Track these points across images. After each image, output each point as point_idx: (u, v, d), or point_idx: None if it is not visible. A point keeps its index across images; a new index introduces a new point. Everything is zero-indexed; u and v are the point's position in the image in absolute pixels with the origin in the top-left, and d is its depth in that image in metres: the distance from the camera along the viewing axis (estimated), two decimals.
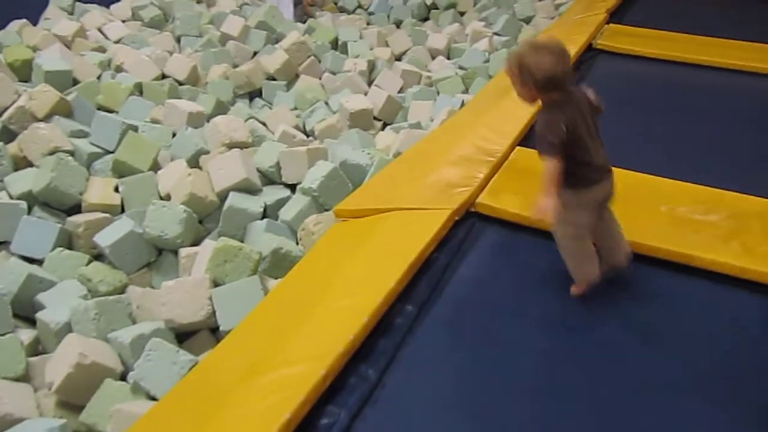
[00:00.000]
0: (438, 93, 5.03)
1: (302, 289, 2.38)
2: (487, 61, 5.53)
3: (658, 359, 2.10)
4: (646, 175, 2.96)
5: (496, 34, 6.18)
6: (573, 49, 4.57)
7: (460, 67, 5.53)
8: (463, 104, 4.52)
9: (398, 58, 5.82)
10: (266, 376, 1.85)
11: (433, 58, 5.83)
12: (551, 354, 2.13)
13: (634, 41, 4.95)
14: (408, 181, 2.92)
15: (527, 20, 6.64)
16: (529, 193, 2.74)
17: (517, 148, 3.18)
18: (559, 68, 1.97)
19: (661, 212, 2.70)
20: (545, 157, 1.99)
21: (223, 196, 3.40)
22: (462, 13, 7.02)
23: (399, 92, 5.05)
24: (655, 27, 5.29)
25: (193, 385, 2.07)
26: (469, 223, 2.68)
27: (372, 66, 5.41)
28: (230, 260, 2.82)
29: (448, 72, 5.31)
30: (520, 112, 3.54)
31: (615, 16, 5.71)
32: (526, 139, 3.32)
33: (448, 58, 5.84)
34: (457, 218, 2.61)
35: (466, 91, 5.03)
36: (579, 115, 2.04)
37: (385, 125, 4.68)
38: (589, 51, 4.88)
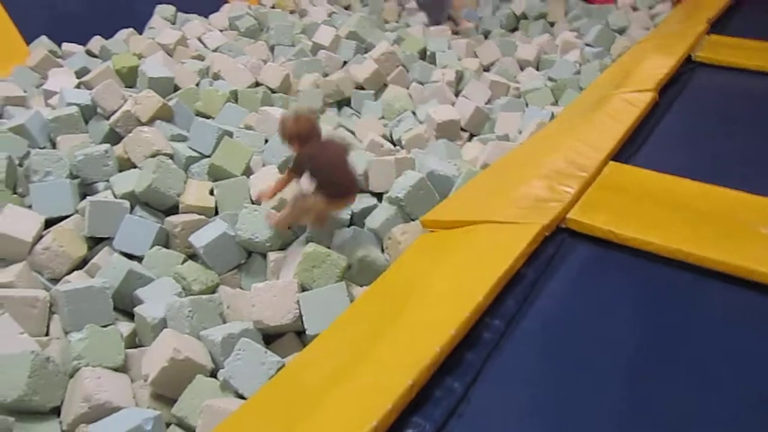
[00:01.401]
0: (527, 104, 4.97)
1: (389, 298, 2.40)
2: (578, 72, 5.42)
3: (754, 386, 1.98)
4: (746, 194, 2.82)
5: (587, 45, 6.05)
6: (670, 62, 4.40)
7: (550, 79, 5.44)
8: (552, 116, 4.45)
9: (486, 69, 5.79)
10: (352, 383, 1.88)
11: (522, 69, 5.76)
12: (640, 377, 2.05)
13: (736, 53, 4.72)
14: (497, 194, 2.89)
15: (621, 31, 6.46)
16: (623, 210, 2.69)
17: (611, 162, 3.09)
18: None
19: (763, 234, 2.56)
20: None
21: None
22: (552, 24, 6.91)
23: (487, 103, 5.02)
24: (761, 38, 5.03)
25: (280, 386, 2.12)
26: (559, 238, 2.63)
27: (460, 76, 5.41)
28: (318, 266, 2.88)
29: (537, 83, 5.24)
30: (614, 126, 3.45)
31: (716, 26, 5.47)
32: (620, 153, 3.23)
33: (538, 69, 5.76)
34: (547, 234, 2.56)
35: (555, 103, 4.95)
36: None
37: (471, 136, 4.67)
38: (688, 63, 4.69)
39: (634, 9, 7.12)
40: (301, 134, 3.07)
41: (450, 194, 3.47)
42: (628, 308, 2.37)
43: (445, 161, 3.74)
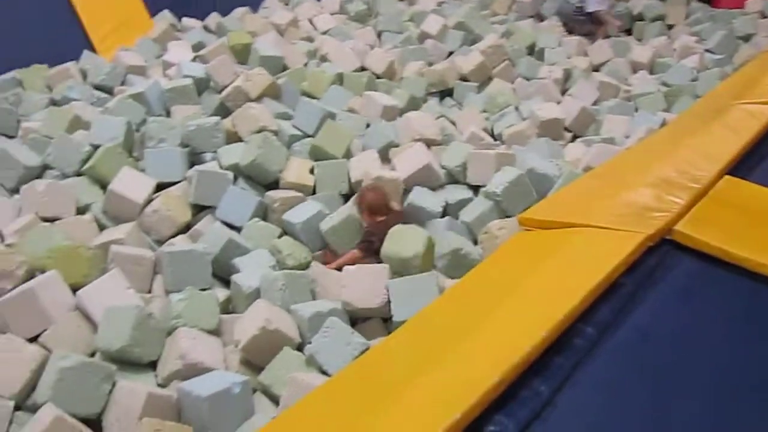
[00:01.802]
0: (636, 109, 4.77)
1: (481, 292, 2.38)
2: (696, 79, 5.16)
3: None
4: None
5: (708, 51, 5.74)
6: None
7: (664, 84, 5.21)
8: (664, 123, 4.26)
9: (596, 69, 5.61)
10: (438, 373, 1.88)
11: (634, 71, 5.55)
12: (738, 398, 1.95)
13: None
14: (600, 198, 2.80)
15: (746, 38, 6.09)
16: (737, 228, 2.54)
17: (726, 176, 2.92)
18: None
19: None
20: None
21: (408, 186, 3.49)
22: (670, 26, 6.60)
23: (593, 104, 4.87)
24: None
25: (365, 368, 2.15)
26: (663, 250, 2.51)
27: (568, 75, 5.27)
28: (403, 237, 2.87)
29: (649, 87, 5.03)
30: (732, 138, 3.27)
31: None
32: (737, 168, 3.04)
33: (651, 73, 5.52)
34: (650, 244, 2.45)
35: (668, 110, 4.74)
36: None
37: (575, 137, 4.54)
38: None
39: (764, 16, 6.67)
40: (372, 207, 3.21)
41: (549, 194, 3.40)
42: (731, 329, 2.23)
43: (547, 160, 3.66)
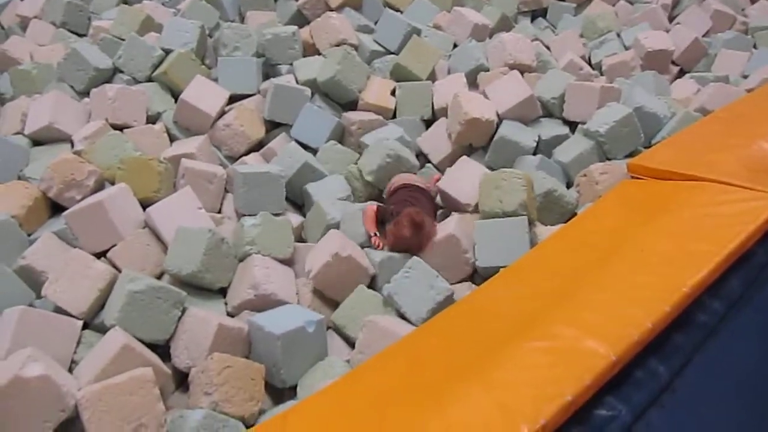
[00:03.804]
0: (755, 45, 4.25)
1: (586, 248, 2.12)
2: None
3: None
4: None
5: None
6: None
7: None
8: None
9: None
10: (546, 341, 1.66)
11: (754, 1, 4.92)
12: None
13: None
14: (726, 149, 2.46)
15: None
16: None
17: None
18: None
19: None
20: None
21: (500, 119, 3.19)
22: None
23: (704, 35, 4.35)
24: None
25: (455, 321, 1.96)
26: None
27: (677, 0, 4.72)
28: (499, 185, 2.60)
29: None
30: None
31: None
32: None
33: None
34: None
35: None
36: None
37: (682, 72, 4.09)
38: None
39: None
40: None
41: (657, 137, 3.05)
42: None
43: (655, 97, 3.28)
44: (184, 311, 2.25)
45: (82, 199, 2.68)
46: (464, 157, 3.03)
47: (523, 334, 1.73)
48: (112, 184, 2.74)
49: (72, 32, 4.13)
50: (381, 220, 2.68)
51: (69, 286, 2.29)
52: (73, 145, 3.04)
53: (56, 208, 2.76)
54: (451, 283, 2.44)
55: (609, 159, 2.97)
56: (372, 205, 2.72)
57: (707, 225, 2.06)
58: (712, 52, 4.13)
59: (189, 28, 3.55)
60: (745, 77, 3.77)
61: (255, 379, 2.08)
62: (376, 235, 2.63)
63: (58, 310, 2.28)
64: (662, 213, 2.18)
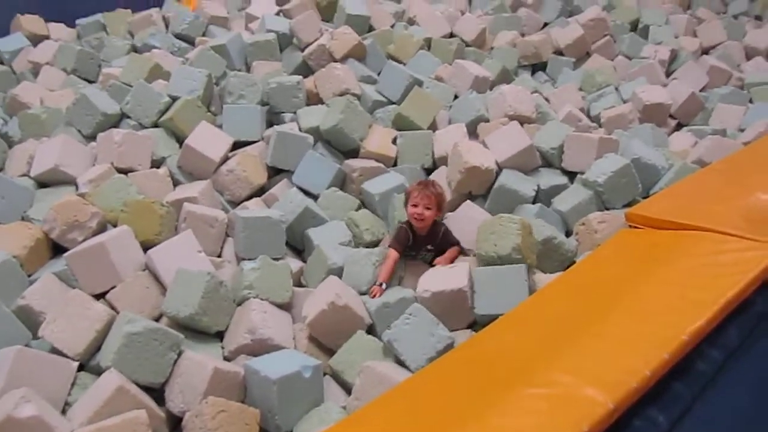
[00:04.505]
0: (751, 100, 4.33)
1: (585, 297, 2.12)
2: None
3: None
4: None
5: None
6: None
7: None
8: None
9: (705, 52, 5.14)
10: (544, 388, 1.65)
11: (749, 57, 5.05)
12: None
13: None
14: (723, 199, 2.48)
15: None
16: None
17: None
18: None
19: None
20: None
21: (500, 168, 3.22)
22: None
23: (701, 90, 4.45)
24: None
25: (453, 366, 1.94)
26: None
27: (674, 56, 4.84)
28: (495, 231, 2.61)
29: (766, 76, 4.55)
30: None
31: None
32: None
33: None
34: None
35: None
36: None
37: (680, 125, 4.16)
38: None
39: None
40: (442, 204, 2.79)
41: (655, 188, 3.08)
42: None
43: (653, 149, 3.32)
44: (180, 354, 2.24)
45: (84, 240, 2.69)
46: (468, 201, 3.06)
47: (522, 381, 1.72)
48: (115, 226, 2.77)
49: (82, 79, 4.23)
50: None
51: (66, 326, 2.29)
52: (77, 188, 3.07)
53: (58, 249, 2.78)
54: (452, 330, 2.43)
55: (607, 209, 2.99)
56: (394, 252, 2.70)
57: (706, 274, 2.07)
58: (709, 107, 4.21)
59: (196, 76, 3.63)
60: (742, 131, 3.83)
61: (250, 425, 2.05)
62: (380, 285, 2.63)
63: (55, 351, 2.27)
64: (660, 262, 2.19)
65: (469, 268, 2.59)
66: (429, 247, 2.79)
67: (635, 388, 1.62)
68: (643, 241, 2.40)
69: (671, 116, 4.16)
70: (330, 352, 2.48)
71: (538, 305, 2.16)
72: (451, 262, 2.75)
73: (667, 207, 2.54)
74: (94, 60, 4.33)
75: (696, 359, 1.82)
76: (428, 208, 2.71)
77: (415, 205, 2.72)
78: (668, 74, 4.69)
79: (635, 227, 2.55)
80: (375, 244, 3.00)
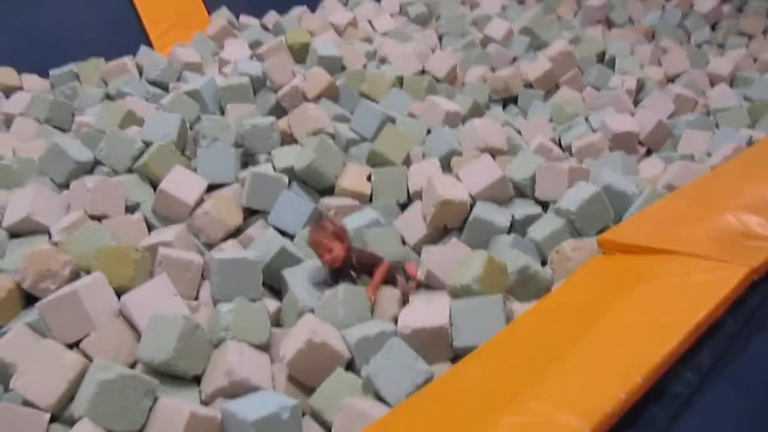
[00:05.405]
0: (717, 125, 4.44)
1: (559, 323, 2.14)
2: None
3: None
4: None
5: None
6: None
7: (746, 98, 4.84)
8: (751, 141, 3.92)
9: (671, 80, 5.27)
10: (521, 416, 1.65)
11: (713, 84, 5.18)
12: None
13: None
14: (692, 222, 2.53)
15: None
16: None
17: None
18: None
19: None
20: None
21: (474, 200, 3.25)
22: (751, 37, 6.18)
23: (669, 117, 4.55)
24: None
25: (431, 399, 1.94)
26: None
27: (641, 85, 4.96)
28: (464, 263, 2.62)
29: (730, 102, 4.68)
30: None
31: None
32: None
33: (731, 87, 5.15)
34: (755, 278, 2.17)
35: (752, 127, 4.38)
36: None
37: (649, 152, 4.24)
38: None
39: None
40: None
41: (627, 214, 3.12)
42: None
43: (623, 176, 3.38)
44: (155, 400, 2.20)
45: (57, 289, 2.66)
46: (454, 239, 3.11)
47: (499, 410, 1.72)
48: (88, 274, 2.74)
49: (56, 128, 4.23)
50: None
51: (37, 377, 2.25)
52: (51, 237, 3.05)
53: (31, 300, 2.74)
54: (431, 364, 2.42)
55: (581, 236, 3.03)
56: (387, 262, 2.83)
57: (677, 296, 2.10)
58: (676, 133, 4.30)
59: (170, 121, 3.65)
60: (709, 155, 3.91)
61: None
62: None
63: (26, 403, 2.22)
64: (632, 286, 2.21)
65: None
66: (352, 273, 2.85)
67: (611, 413, 1.62)
68: (614, 266, 2.42)
69: (640, 143, 4.24)
70: (310, 390, 2.44)
71: (514, 334, 2.17)
72: (383, 280, 2.81)
73: (637, 232, 2.57)
74: (67, 109, 4.33)
75: (670, 382, 1.83)
76: (330, 250, 2.79)
77: (321, 256, 2.82)
78: (636, 103, 4.80)
79: (608, 253, 2.58)
80: (353, 281, 3.00)
